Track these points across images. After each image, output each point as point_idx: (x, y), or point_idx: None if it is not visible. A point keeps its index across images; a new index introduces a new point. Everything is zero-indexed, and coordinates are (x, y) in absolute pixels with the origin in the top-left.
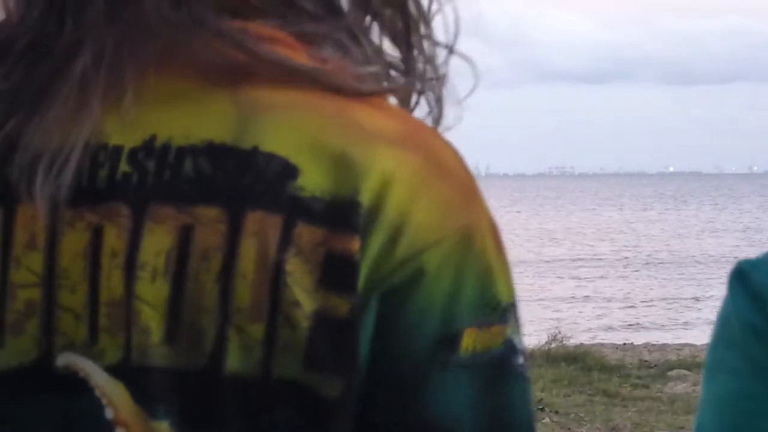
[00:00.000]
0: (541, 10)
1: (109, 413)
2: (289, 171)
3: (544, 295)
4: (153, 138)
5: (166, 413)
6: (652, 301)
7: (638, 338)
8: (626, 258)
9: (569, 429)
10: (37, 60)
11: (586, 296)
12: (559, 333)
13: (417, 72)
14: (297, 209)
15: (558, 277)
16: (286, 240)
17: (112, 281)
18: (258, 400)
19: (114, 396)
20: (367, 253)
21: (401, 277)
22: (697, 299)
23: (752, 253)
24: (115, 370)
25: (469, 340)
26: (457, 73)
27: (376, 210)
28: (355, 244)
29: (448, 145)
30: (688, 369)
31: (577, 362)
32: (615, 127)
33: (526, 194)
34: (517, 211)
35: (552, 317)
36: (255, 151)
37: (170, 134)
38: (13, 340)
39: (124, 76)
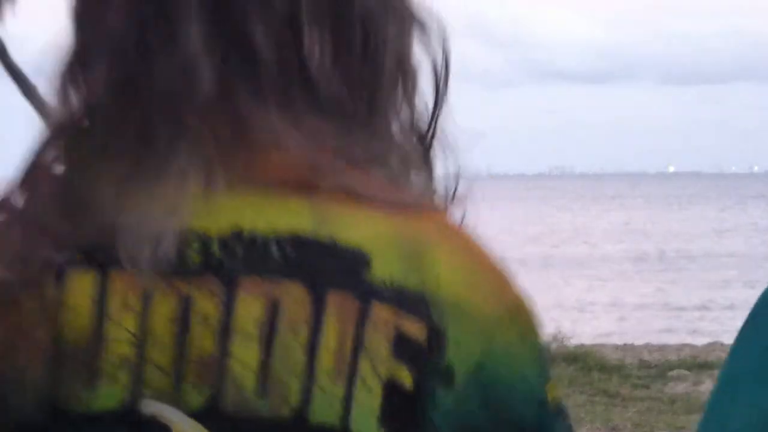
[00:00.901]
0: (542, 11)
1: None
2: (363, 259)
3: (547, 296)
4: (239, 227)
5: None
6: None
7: (638, 338)
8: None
9: None
10: (143, 152)
11: (606, 302)
12: (559, 333)
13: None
14: (371, 293)
15: (568, 278)
16: (363, 317)
17: (203, 342)
18: None
19: None
20: (447, 342)
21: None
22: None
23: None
24: (200, 416)
25: (553, 392)
26: (457, 74)
27: (439, 300)
28: (421, 328)
29: (479, 242)
30: (689, 369)
31: (577, 362)
32: (615, 127)
33: (529, 194)
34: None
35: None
36: (333, 241)
37: (254, 225)
38: (105, 387)
39: (217, 173)
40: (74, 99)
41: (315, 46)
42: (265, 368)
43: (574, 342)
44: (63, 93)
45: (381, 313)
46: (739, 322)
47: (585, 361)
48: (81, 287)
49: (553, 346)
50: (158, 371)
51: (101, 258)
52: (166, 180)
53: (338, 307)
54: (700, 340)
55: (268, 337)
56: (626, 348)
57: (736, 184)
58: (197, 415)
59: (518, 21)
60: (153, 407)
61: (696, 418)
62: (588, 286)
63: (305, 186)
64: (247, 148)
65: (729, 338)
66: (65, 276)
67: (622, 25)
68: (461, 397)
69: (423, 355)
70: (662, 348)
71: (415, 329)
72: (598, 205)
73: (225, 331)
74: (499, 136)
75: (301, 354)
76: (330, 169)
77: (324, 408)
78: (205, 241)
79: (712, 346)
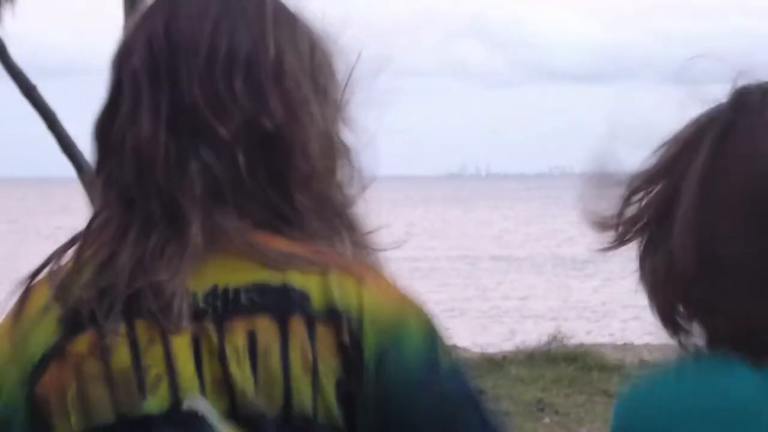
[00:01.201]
0: (543, 10)
1: None
2: (305, 296)
3: (550, 296)
4: (216, 285)
5: None
6: None
7: (638, 338)
8: None
9: (569, 429)
10: (164, 235)
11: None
12: (559, 333)
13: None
14: (314, 317)
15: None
16: (312, 334)
17: (212, 366)
18: (311, 429)
19: (225, 429)
20: (365, 343)
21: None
22: None
23: None
24: (223, 417)
25: (447, 358)
26: (457, 74)
27: (353, 316)
28: (347, 336)
29: (382, 273)
30: None
31: (577, 362)
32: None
33: (529, 193)
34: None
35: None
36: (284, 286)
37: (227, 282)
38: (152, 397)
39: (206, 251)
40: (103, 192)
41: (250, 169)
42: (256, 379)
43: (574, 342)
44: (98, 188)
45: (322, 330)
46: None
47: (585, 361)
48: (114, 338)
49: (553, 346)
50: (187, 382)
51: (128, 310)
52: (170, 255)
53: (296, 329)
54: (701, 340)
55: (252, 357)
56: (626, 348)
57: None
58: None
59: (518, 21)
60: (193, 402)
61: None
62: (588, 286)
63: (258, 253)
64: (218, 233)
65: None
66: (105, 326)
67: (622, 25)
68: (374, 376)
69: (350, 353)
70: (662, 348)
71: (344, 338)
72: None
73: (222, 357)
74: (499, 135)
75: (278, 366)
76: (272, 243)
77: (300, 402)
78: (196, 296)
79: None
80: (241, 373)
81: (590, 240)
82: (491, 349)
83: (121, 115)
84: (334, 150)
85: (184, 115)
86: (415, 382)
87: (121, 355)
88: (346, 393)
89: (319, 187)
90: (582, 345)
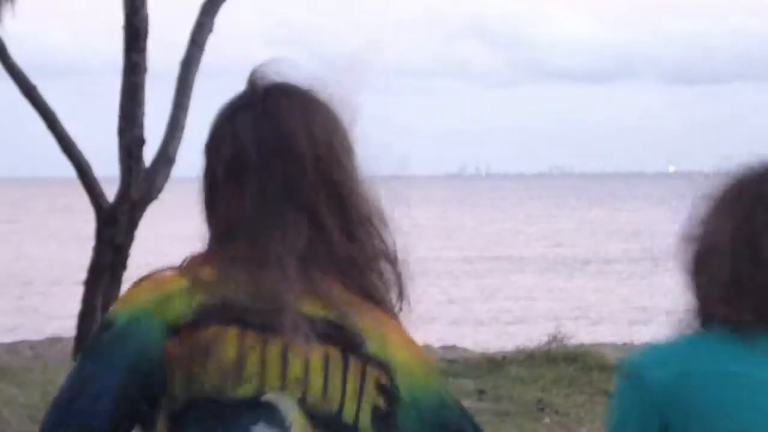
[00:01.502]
0: (543, 10)
1: (288, 425)
2: (362, 339)
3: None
4: (305, 313)
5: None
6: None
7: (638, 338)
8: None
9: (569, 429)
10: (263, 267)
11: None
12: (559, 333)
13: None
14: (366, 359)
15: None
16: (364, 372)
17: (294, 369)
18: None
19: (296, 420)
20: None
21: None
22: None
23: None
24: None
25: (453, 397)
26: (457, 74)
27: (392, 364)
28: (387, 379)
29: (407, 333)
30: None
31: (577, 362)
32: (615, 127)
33: (530, 193)
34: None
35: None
36: (344, 325)
37: (313, 313)
38: (245, 385)
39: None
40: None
41: (334, 230)
42: (324, 388)
43: (574, 342)
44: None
45: (371, 371)
46: None
47: (585, 361)
48: (230, 337)
49: (553, 345)
50: (272, 381)
51: (244, 320)
52: (283, 283)
53: (353, 365)
54: None
55: (325, 373)
56: (626, 348)
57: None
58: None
59: (519, 21)
60: (272, 396)
61: None
62: (588, 286)
63: (327, 296)
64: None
65: None
66: (227, 327)
67: (622, 24)
68: (407, 412)
69: (388, 391)
70: None
71: (385, 379)
72: (599, 205)
73: (306, 366)
74: (499, 135)
75: (339, 383)
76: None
77: (347, 412)
78: (296, 318)
79: None
80: (315, 380)
81: (589, 240)
82: (491, 349)
83: (220, 193)
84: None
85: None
86: (437, 407)
87: (231, 352)
88: (380, 414)
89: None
90: (582, 345)
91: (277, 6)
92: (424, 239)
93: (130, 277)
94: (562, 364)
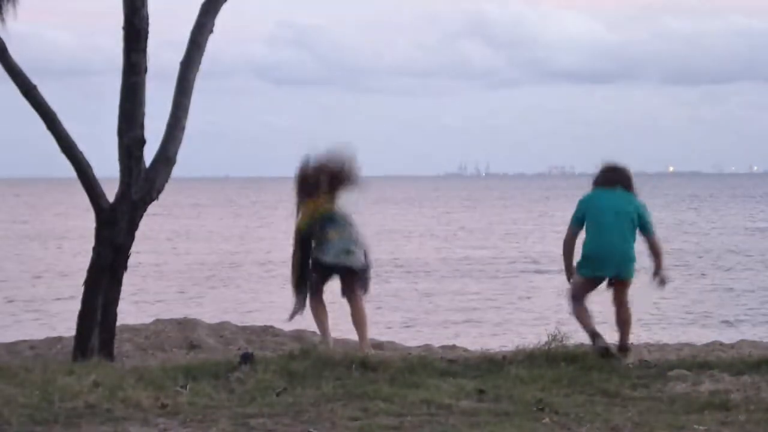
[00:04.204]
0: (545, 10)
1: None
2: None
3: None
4: None
5: None
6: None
7: (638, 338)
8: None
9: (569, 429)
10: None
11: None
12: (559, 333)
13: None
14: None
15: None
16: None
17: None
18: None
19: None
20: None
21: None
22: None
23: None
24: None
25: None
26: (458, 74)
27: None
28: None
29: None
30: (688, 369)
31: (577, 362)
32: (615, 127)
33: (532, 194)
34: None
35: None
36: None
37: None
38: (331, 252)
39: None
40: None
41: None
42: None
43: (573, 342)
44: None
45: None
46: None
47: (585, 361)
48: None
49: (553, 345)
50: (339, 246)
51: None
52: None
53: None
54: (700, 340)
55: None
56: None
57: (734, 183)
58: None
59: (520, 20)
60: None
61: (696, 418)
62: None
63: None
64: None
65: (729, 338)
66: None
67: (623, 24)
68: None
69: None
70: (662, 348)
71: None
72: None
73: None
74: (499, 135)
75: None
76: None
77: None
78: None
79: (712, 345)
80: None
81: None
82: (491, 349)
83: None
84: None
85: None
86: None
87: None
88: None
89: None
90: (582, 345)
91: (279, 7)
92: (424, 239)
93: (130, 276)
94: (562, 364)
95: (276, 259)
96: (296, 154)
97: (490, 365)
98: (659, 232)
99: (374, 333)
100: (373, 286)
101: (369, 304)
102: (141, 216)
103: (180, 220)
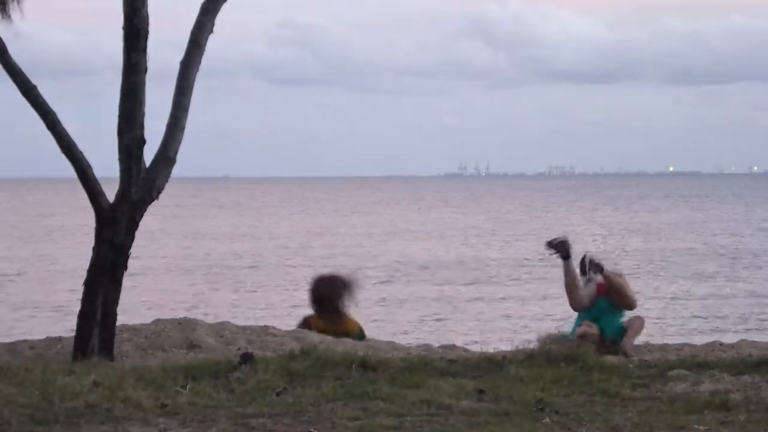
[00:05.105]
0: (545, 10)
1: None
2: None
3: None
4: None
5: None
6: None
7: (638, 338)
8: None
9: (569, 429)
10: None
11: None
12: (559, 333)
13: None
14: None
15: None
16: None
17: None
18: None
19: None
20: None
21: None
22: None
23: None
24: None
25: None
26: (458, 74)
27: None
28: None
29: None
30: (688, 369)
31: (577, 362)
32: (615, 127)
33: (533, 194)
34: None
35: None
36: None
37: None
38: None
39: None
40: None
41: None
42: None
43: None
44: None
45: None
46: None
47: (585, 361)
48: None
49: (553, 345)
50: None
51: None
52: None
53: None
54: (700, 340)
55: None
56: None
57: (735, 183)
58: None
59: (520, 20)
60: None
61: (696, 418)
62: None
63: None
64: None
65: (729, 338)
66: None
67: (623, 24)
68: None
69: None
70: (662, 348)
71: None
72: (599, 206)
73: None
74: (499, 135)
75: None
76: None
77: None
78: None
79: (712, 345)
80: None
81: (592, 239)
82: (491, 349)
83: None
84: None
85: None
86: None
87: None
88: None
89: None
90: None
91: (280, 6)
92: (423, 239)
93: (130, 276)
94: (562, 364)
95: (270, 260)
96: (296, 154)
97: (490, 365)
98: (667, 232)
99: (377, 334)
100: (376, 288)
101: (375, 304)
102: (141, 216)
103: (179, 219)
